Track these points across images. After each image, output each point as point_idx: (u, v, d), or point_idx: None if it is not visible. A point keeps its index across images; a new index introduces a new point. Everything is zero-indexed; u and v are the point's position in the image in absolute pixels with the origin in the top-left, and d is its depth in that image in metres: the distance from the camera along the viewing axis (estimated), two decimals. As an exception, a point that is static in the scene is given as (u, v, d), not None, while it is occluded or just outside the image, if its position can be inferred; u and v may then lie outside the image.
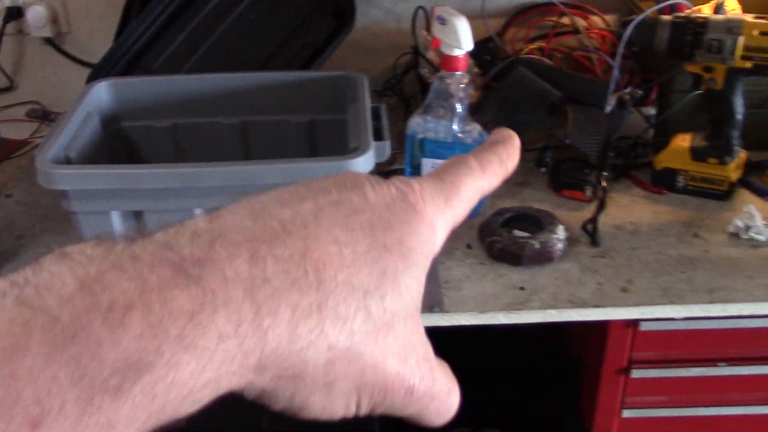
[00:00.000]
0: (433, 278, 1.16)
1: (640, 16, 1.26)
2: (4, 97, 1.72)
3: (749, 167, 1.39)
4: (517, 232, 1.21)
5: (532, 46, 1.56)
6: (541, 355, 1.73)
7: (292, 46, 1.46)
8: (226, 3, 1.47)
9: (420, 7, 1.52)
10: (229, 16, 1.47)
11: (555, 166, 1.37)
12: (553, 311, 1.10)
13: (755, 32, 1.20)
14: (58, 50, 1.66)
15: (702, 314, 1.11)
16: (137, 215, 1.06)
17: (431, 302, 1.11)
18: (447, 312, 1.10)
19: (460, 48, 1.18)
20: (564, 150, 1.39)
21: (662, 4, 1.31)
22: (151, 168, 1.05)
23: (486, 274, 1.17)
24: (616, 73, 1.41)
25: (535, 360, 1.73)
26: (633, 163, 1.40)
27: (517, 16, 1.63)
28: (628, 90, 1.38)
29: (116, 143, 1.26)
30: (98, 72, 1.43)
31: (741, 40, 1.21)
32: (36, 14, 1.60)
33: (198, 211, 1.05)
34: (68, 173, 1.00)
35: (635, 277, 1.15)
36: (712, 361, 1.29)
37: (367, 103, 1.18)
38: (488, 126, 1.38)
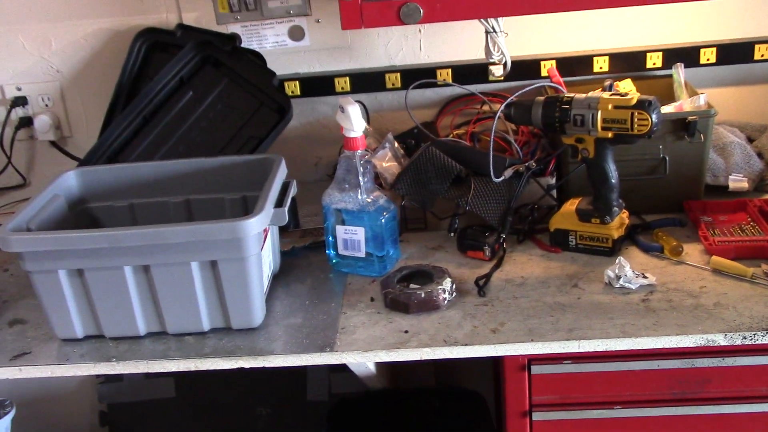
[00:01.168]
0: (331, 325, 1.34)
1: (512, 97, 1.46)
2: (20, 193, 2.02)
3: (641, 227, 1.54)
4: (411, 285, 1.39)
5: (458, 131, 1.78)
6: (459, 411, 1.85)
7: (241, 137, 1.72)
8: (188, 107, 1.75)
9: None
10: (191, 117, 1.75)
11: (462, 231, 1.55)
12: (427, 349, 1.27)
13: (610, 106, 1.39)
14: (61, 151, 1.97)
15: (559, 351, 1.26)
16: (80, 273, 1.29)
17: (324, 344, 1.29)
18: (336, 351, 1.28)
19: (354, 131, 1.41)
20: (473, 217, 1.57)
21: (533, 86, 1.52)
22: (85, 232, 1.28)
23: (379, 321, 1.35)
24: (516, 148, 1.60)
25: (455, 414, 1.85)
26: (534, 227, 1.57)
27: (446, 106, 1.86)
28: (527, 163, 1.57)
29: (83, 221, 1.51)
30: (84, 165, 1.72)
31: (599, 114, 1.39)
32: (42, 122, 1.92)
33: (127, 269, 1.28)
34: (20, 238, 1.25)
35: (508, 320, 1.31)
36: (609, 404, 1.41)
37: (278, 179, 1.40)
38: (404, 197, 1.59)
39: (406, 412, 1.85)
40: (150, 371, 1.31)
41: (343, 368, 1.53)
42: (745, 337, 1.22)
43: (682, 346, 1.24)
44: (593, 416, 1.41)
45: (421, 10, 1.40)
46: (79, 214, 1.52)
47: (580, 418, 1.42)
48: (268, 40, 1.84)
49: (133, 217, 1.54)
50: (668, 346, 1.24)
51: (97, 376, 2.11)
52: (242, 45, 1.82)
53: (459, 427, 1.79)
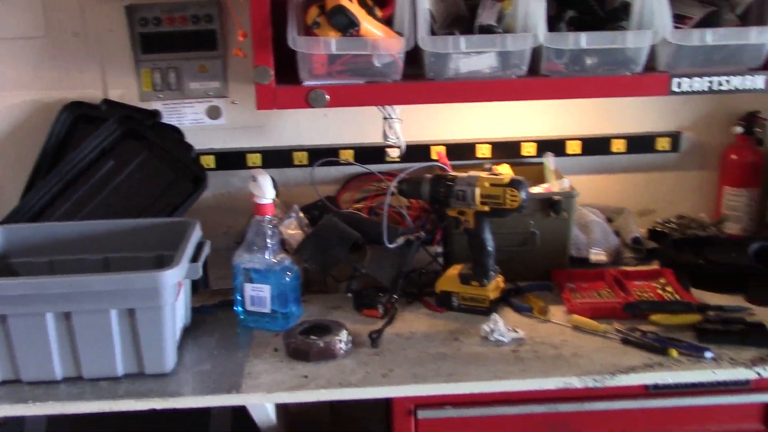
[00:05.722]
0: (237, 372, 1.47)
1: (403, 174, 1.68)
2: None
3: (514, 291, 1.76)
4: (311, 336, 1.54)
5: (357, 205, 1.98)
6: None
7: (158, 204, 1.86)
8: (109, 175, 1.88)
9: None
10: (111, 184, 1.88)
11: (358, 292, 1.72)
12: (323, 391, 1.42)
13: (487, 184, 1.62)
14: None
15: (440, 392, 1.43)
16: (2, 319, 1.38)
17: (231, 386, 1.42)
18: (241, 393, 1.41)
19: (265, 198, 1.59)
20: (369, 280, 1.75)
21: (424, 165, 1.74)
22: (11, 279, 1.39)
23: (282, 368, 1.49)
24: (408, 220, 1.81)
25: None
26: (423, 290, 1.77)
27: (348, 182, 2.06)
28: (417, 233, 1.78)
29: (3, 275, 1.60)
30: (6, 223, 1.81)
31: (477, 190, 1.62)
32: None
33: (49, 316, 1.38)
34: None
35: (397, 367, 1.48)
36: (488, 448, 1.58)
37: (194, 238, 1.55)
38: (307, 261, 1.76)
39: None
40: (65, 412, 1.40)
41: (244, 425, 1.63)
42: (595, 380, 1.43)
43: (544, 388, 1.44)
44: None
45: (327, 96, 1.61)
46: (0, 269, 1.61)
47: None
48: (187, 117, 2.01)
49: (52, 273, 1.65)
50: (532, 388, 1.44)
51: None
52: (163, 121, 1.98)
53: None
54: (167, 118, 2.00)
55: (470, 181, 1.64)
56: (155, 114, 1.96)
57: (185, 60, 1.96)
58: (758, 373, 1.45)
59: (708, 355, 1.47)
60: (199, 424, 2.16)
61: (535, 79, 1.63)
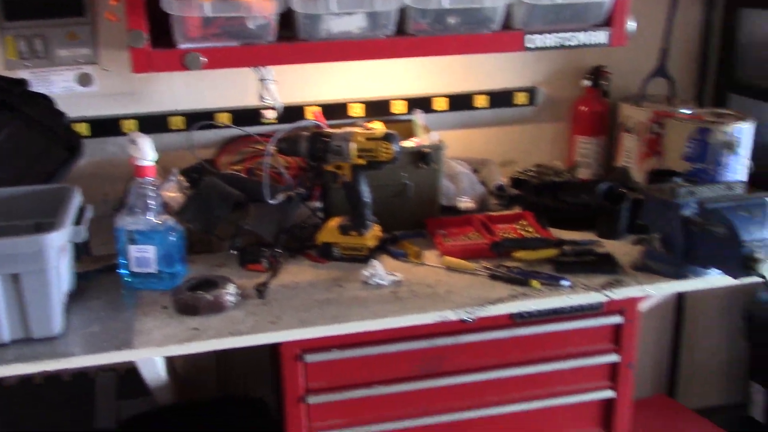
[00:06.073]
0: (127, 330, 1.51)
1: (282, 133, 1.75)
2: None
3: (391, 239, 1.87)
4: (199, 292, 1.59)
5: (236, 167, 2.02)
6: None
7: (33, 172, 1.84)
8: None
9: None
10: (-20, 153, 1.84)
11: (243, 249, 1.79)
12: (214, 341, 1.48)
13: (361, 138, 1.71)
14: None
15: (325, 334, 1.53)
16: None
17: (121, 344, 1.46)
18: (133, 348, 1.45)
19: (145, 159, 1.61)
20: (252, 238, 1.81)
21: (301, 124, 1.82)
22: None
23: (171, 323, 1.54)
24: (287, 177, 1.88)
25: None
26: (305, 243, 1.85)
27: (225, 145, 2.10)
28: (297, 190, 1.85)
29: None
30: None
31: (353, 145, 1.71)
32: None
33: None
34: None
35: (284, 315, 1.56)
36: (370, 384, 1.69)
37: (75, 203, 1.56)
38: (190, 222, 1.80)
39: (194, 426, 2.01)
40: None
41: (131, 393, 1.64)
42: (467, 311, 1.57)
43: (423, 322, 1.56)
44: (358, 395, 1.69)
45: (203, 58, 1.65)
46: None
47: (347, 398, 1.69)
48: (57, 85, 1.98)
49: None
50: (412, 324, 1.56)
51: None
52: (31, 89, 1.95)
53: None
54: (36, 87, 1.96)
55: (346, 136, 1.73)
56: (22, 82, 1.92)
57: (52, 27, 1.93)
58: (607, 296, 1.63)
59: (565, 283, 1.64)
60: (82, 397, 2.17)
61: (401, 38, 1.73)
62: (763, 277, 1.48)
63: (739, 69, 2.28)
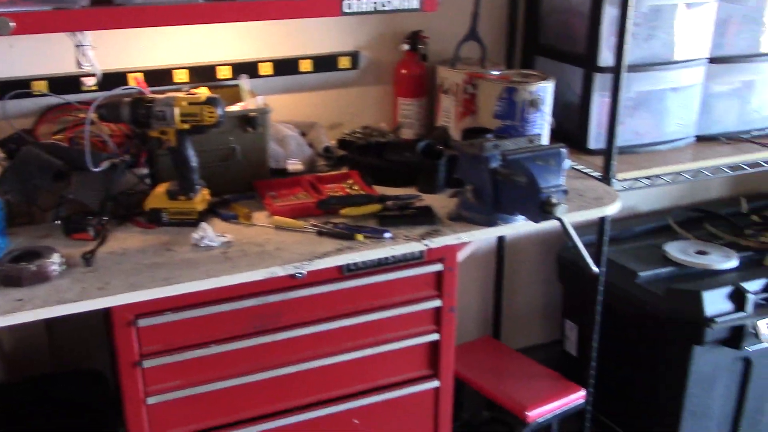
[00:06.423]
0: (-56, 304, 1.46)
1: (102, 98, 1.73)
2: None
3: (221, 202, 1.90)
4: (22, 263, 1.56)
5: (57, 136, 1.97)
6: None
7: None
8: None
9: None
10: None
11: (67, 218, 1.76)
12: (41, 310, 1.46)
13: (184, 103, 1.73)
14: None
15: (157, 296, 1.55)
16: None
17: (-61, 319, 1.41)
18: (-49, 323, 1.41)
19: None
20: (77, 207, 1.78)
21: (123, 90, 1.81)
22: None
23: (-8, 296, 1.50)
24: (112, 145, 1.86)
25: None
26: (133, 210, 1.84)
27: (44, 114, 2.04)
28: (121, 156, 1.84)
29: None
30: None
31: (176, 110, 1.73)
32: None
33: None
34: None
35: (113, 280, 1.56)
36: (206, 344, 1.73)
37: None
38: (9, 193, 1.75)
39: (27, 404, 1.97)
40: None
41: None
42: (296, 266, 1.64)
43: (252, 279, 1.62)
44: (194, 356, 1.73)
45: (12, 23, 1.59)
46: None
47: (183, 359, 1.72)
48: None
49: None
50: (242, 281, 1.61)
51: None
52: None
53: (80, 406, 1.97)
54: None
55: (168, 101, 1.73)
56: None
57: None
58: (426, 245, 1.75)
59: (387, 235, 1.74)
60: None
61: (220, 3, 1.75)
62: (558, 219, 1.65)
63: (543, 33, 2.47)
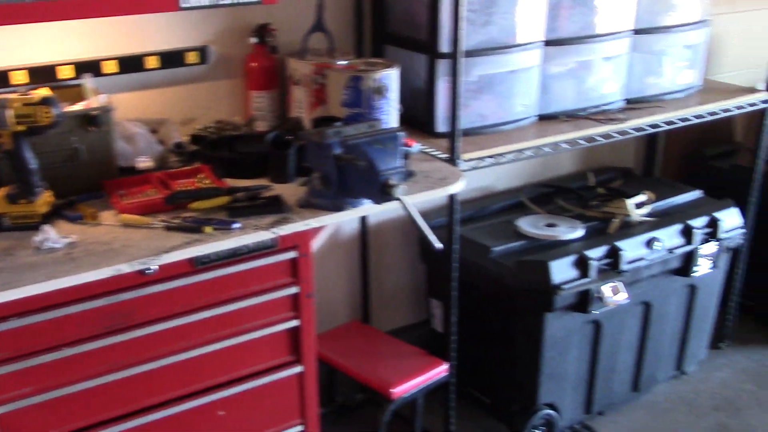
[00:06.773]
0: None
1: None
2: None
3: (67, 204, 1.87)
4: None
5: None
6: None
7: None
8: None
9: None
10: None
11: None
12: None
13: (18, 104, 1.69)
14: None
15: (-5, 302, 1.52)
16: None
17: None
18: None
19: None
20: None
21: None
22: None
23: None
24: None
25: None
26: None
27: None
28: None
29: None
30: None
31: (10, 111, 1.69)
32: None
33: None
34: None
35: (-52, 289, 1.52)
36: (57, 348, 1.71)
37: None
38: None
39: None
40: None
41: None
42: (143, 263, 1.64)
43: (98, 278, 1.60)
44: (45, 360, 1.70)
45: None
46: None
47: (33, 365, 1.69)
48: None
49: None
50: (86, 281, 1.59)
51: None
52: None
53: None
54: None
55: (1, 103, 1.69)
56: None
57: None
58: (275, 233, 1.79)
59: (235, 225, 1.77)
60: None
61: (46, 2, 1.72)
62: (398, 199, 1.72)
63: (390, 22, 2.55)
